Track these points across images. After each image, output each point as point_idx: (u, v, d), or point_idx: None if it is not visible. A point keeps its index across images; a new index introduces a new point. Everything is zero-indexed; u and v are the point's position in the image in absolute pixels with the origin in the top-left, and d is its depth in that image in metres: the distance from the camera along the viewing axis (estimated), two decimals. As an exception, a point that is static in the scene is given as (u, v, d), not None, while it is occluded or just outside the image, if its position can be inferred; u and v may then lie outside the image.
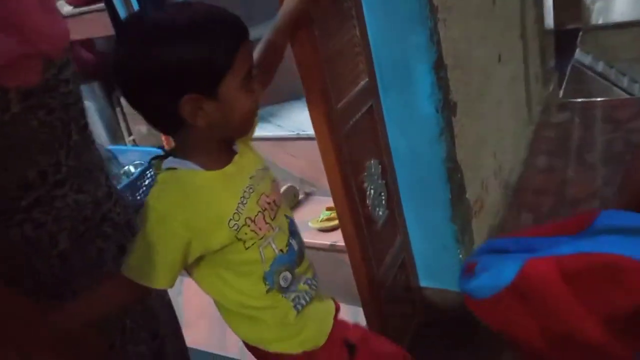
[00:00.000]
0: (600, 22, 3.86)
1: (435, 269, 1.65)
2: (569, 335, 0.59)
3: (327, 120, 1.15)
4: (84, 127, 0.91)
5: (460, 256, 1.58)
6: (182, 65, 0.74)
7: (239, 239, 0.82)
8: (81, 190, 0.89)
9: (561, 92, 3.20)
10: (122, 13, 1.77)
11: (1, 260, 0.81)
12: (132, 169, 2.97)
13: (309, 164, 1.90)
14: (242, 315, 0.90)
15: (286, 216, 0.92)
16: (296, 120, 1.92)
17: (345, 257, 1.38)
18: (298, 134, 1.80)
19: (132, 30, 0.78)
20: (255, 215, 0.84)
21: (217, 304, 0.92)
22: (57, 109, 0.83)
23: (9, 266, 0.82)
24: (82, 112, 0.92)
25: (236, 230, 0.82)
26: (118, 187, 2.47)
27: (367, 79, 1.31)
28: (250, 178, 0.86)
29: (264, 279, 0.86)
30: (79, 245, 0.89)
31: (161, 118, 0.82)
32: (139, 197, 2.76)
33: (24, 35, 0.67)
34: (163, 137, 2.33)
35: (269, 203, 0.87)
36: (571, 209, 2.14)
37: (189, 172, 0.82)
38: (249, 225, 0.83)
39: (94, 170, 0.94)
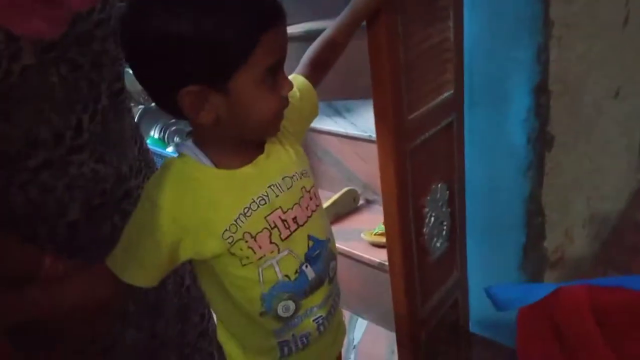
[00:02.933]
0: None
1: (490, 317, 1.45)
2: None
3: (393, 132, 1.00)
4: (118, 92, 0.83)
5: (523, 310, 1.37)
6: (183, 46, 0.59)
7: (232, 254, 0.70)
8: (102, 160, 0.81)
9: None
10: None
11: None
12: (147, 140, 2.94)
13: (376, 170, 1.76)
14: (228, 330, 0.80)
15: (310, 237, 0.76)
16: (372, 120, 1.78)
17: (393, 281, 1.23)
18: (370, 136, 1.65)
19: None
20: (259, 232, 0.71)
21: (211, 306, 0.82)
22: (85, 66, 0.74)
23: (8, 226, 0.75)
24: (119, 76, 0.83)
25: (230, 243, 0.69)
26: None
27: (452, 91, 1.13)
28: (270, 187, 0.72)
29: (261, 299, 0.73)
30: (91, 218, 0.82)
31: (162, 105, 0.68)
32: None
33: None
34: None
35: (284, 220, 0.73)
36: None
37: (195, 165, 0.70)
38: (246, 241, 0.70)
39: (121, 141, 0.85)
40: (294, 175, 0.75)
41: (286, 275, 0.73)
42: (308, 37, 1.82)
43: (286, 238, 0.73)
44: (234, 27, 0.59)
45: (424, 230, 1.17)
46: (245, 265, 0.71)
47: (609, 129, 1.70)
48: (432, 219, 1.18)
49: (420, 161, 1.09)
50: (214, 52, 0.60)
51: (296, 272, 0.74)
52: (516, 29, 1.07)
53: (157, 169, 0.97)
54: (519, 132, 1.17)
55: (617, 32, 1.51)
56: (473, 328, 1.49)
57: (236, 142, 0.71)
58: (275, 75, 0.65)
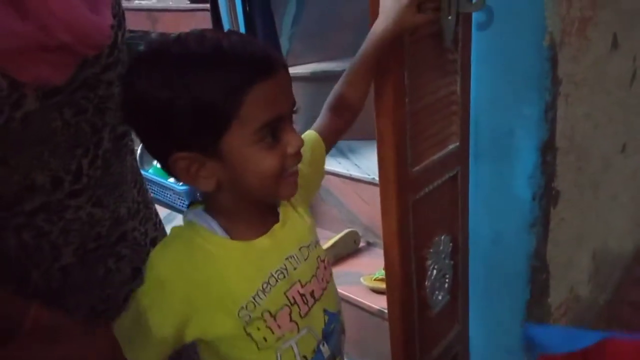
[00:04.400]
0: None
1: (491, 373, 1.41)
2: None
3: (396, 183, 0.98)
4: (121, 136, 0.82)
5: (525, 368, 1.33)
6: (168, 108, 0.56)
7: (248, 334, 0.64)
8: (99, 204, 0.80)
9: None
10: (224, 14, 1.71)
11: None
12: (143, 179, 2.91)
13: (378, 213, 1.75)
14: None
15: (326, 311, 0.72)
16: (375, 162, 1.77)
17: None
18: (374, 178, 1.65)
19: (143, 57, 0.63)
20: (279, 310, 0.65)
21: None
22: (89, 111, 0.73)
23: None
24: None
25: (246, 322, 0.63)
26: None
27: (457, 144, 1.12)
28: (287, 259, 0.67)
29: None
30: (85, 262, 0.80)
31: (164, 168, 0.64)
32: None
33: (40, 21, 0.57)
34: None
35: (302, 295, 0.68)
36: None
37: (207, 235, 0.64)
38: (265, 321, 0.64)
39: (121, 184, 0.84)
40: (309, 245, 0.71)
41: (304, 357, 0.68)
42: (314, 78, 1.84)
43: (305, 315, 0.68)
44: (217, 86, 0.56)
45: (426, 283, 1.14)
46: (262, 349, 0.65)
47: (614, 184, 1.68)
48: (435, 271, 1.16)
49: (423, 213, 1.08)
50: (197, 114, 0.57)
51: (314, 351, 0.69)
52: (524, 85, 1.07)
53: (154, 209, 0.96)
54: (525, 187, 1.15)
55: (624, 90, 1.51)
56: (473, 383, 1.44)
57: (248, 207, 0.66)
58: (278, 131, 0.61)
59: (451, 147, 1.11)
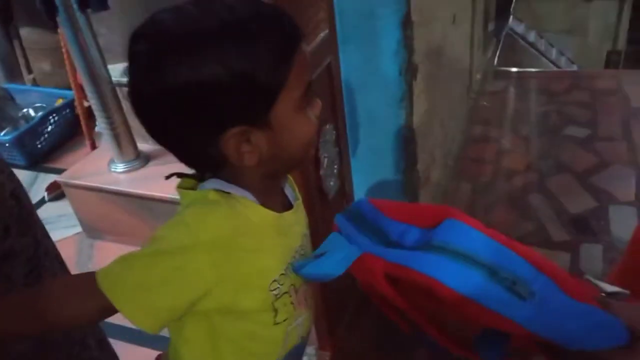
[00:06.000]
0: (533, -11, 3.87)
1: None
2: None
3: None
4: None
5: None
6: (212, 88, 0.53)
7: (275, 309, 0.63)
8: None
9: (495, 60, 3.17)
10: None
11: None
12: (32, 112, 2.61)
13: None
14: None
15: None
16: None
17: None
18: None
19: (146, 40, 0.55)
20: (300, 287, 0.66)
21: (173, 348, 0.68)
22: None
23: None
24: None
25: (276, 296, 0.62)
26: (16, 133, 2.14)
27: (327, 31, 1.13)
28: (303, 236, 0.68)
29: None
30: None
31: (197, 162, 0.62)
32: (39, 146, 2.44)
33: None
34: (70, 76, 2.01)
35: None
36: (508, 180, 2.12)
37: (248, 203, 0.61)
38: (290, 296, 0.64)
39: None
40: (308, 231, 0.72)
41: (302, 337, 0.70)
42: None
43: (308, 297, 0.70)
44: (265, 57, 0.54)
45: (321, 172, 1.18)
46: (277, 324, 0.64)
47: (451, 53, 1.85)
48: (326, 160, 1.20)
49: (309, 105, 1.09)
50: (249, 88, 0.54)
51: (307, 333, 0.73)
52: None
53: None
54: (392, 64, 1.21)
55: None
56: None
57: (272, 183, 0.65)
58: (308, 97, 0.60)
59: (322, 35, 1.12)
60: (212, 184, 0.61)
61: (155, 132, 0.59)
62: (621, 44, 3.93)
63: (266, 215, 0.62)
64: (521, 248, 0.57)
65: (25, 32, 2.58)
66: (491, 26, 2.98)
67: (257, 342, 0.65)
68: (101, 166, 1.86)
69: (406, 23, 1.17)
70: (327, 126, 1.20)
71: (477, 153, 2.30)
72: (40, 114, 2.47)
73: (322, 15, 1.12)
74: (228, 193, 0.60)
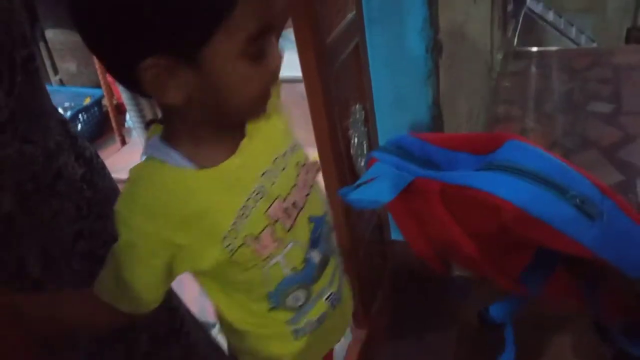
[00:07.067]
0: (549, -31, 3.82)
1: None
2: (451, 245, 0.64)
3: (317, 56, 0.99)
4: (28, 59, 0.71)
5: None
6: (139, 5, 0.46)
7: (234, 262, 0.61)
8: (28, 140, 0.71)
9: (515, 40, 3.16)
10: None
11: None
12: (61, 112, 2.66)
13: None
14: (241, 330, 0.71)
15: (311, 218, 0.67)
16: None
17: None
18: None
19: None
20: (261, 232, 0.60)
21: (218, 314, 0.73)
22: None
23: None
24: (25, 39, 0.72)
25: (231, 251, 0.59)
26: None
27: (354, 12, 1.15)
28: (263, 174, 0.61)
29: (268, 297, 0.66)
30: (27, 206, 0.72)
31: (121, 80, 0.55)
32: (70, 144, 2.50)
33: None
34: (100, 74, 2.06)
35: (285, 209, 0.63)
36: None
37: (171, 170, 0.57)
38: (248, 246, 0.60)
39: (43, 115, 0.75)
40: (285, 153, 0.64)
41: (293, 268, 0.65)
42: None
43: (290, 228, 0.63)
44: None
45: (351, 152, 1.21)
46: (248, 269, 0.62)
47: (472, 32, 1.86)
48: (356, 140, 1.22)
49: (340, 85, 1.11)
50: (179, 12, 0.47)
51: (303, 261, 0.66)
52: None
53: (81, 141, 0.87)
54: (418, 43, 1.23)
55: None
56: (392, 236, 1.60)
57: (214, 127, 0.58)
58: (263, 42, 0.52)
59: (350, 16, 1.14)
60: (150, 147, 0.59)
61: (84, 35, 0.52)
62: (641, 20, 3.87)
63: (200, 176, 0.57)
64: (585, 172, 0.55)
65: (50, 33, 2.64)
66: (510, 7, 2.96)
67: (240, 284, 0.65)
68: (133, 160, 1.91)
69: (431, 1, 1.19)
70: (356, 106, 1.22)
71: (502, 131, 2.30)
72: (69, 113, 2.53)
73: (349, -3, 1.14)
74: (155, 160, 0.57)
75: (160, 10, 0.46)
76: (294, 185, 0.65)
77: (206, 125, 0.57)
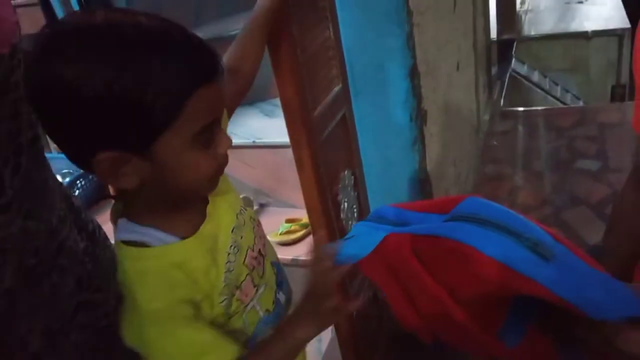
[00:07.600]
0: (532, 33, 4.00)
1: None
2: (437, 312, 0.65)
3: (305, 128, 1.06)
4: (34, 139, 0.76)
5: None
6: (96, 105, 0.49)
7: (225, 314, 0.65)
8: (31, 217, 0.74)
9: (502, 101, 3.27)
10: (59, 12, 1.59)
11: None
12: (60, 178, 2.72)
13: (265, 174, 1.80)
14: None
15: (272, 264, 0.74)
16: (251, 127, 1.81)
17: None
18: (254, 141, 1.70)
19: (50, 31, 0.53)
20: (243, 281, 0.66)
21: None
22: (5, 119, 0.68)
23: None
24: (31, 122, 0.77)
25: (226, 306, 0.64)
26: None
27: (340, 85, 1.22)
28: (232, 231, 0.66)
29: (247, 343, 0.69)
30: (29, 282, 0.75)
31: (78, 165, 0.58)
32: (69, 210, 2.54)
33: None
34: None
35: (255, 258, 0.69)
36: (524, 215, 2.16)
37: (160, 250, 0.60)
38: (234, 295, 0.65)
39: (46, 192, 0.79)
40: (241, 209, 0.70)
41: (267, 310, 0.70)
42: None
43: (262, 275, 0.70)
44: (157, 85, 0.49)
45: (341, 215, 1.25)
46: (231, 318, 0.66)
47: (457, 98, 1.94)
48: (346, 204, 1.27)
49: (327, 153, 1.17)
50: (131, 115, 0.50)
51: (273, 302, 0.71)
52: (387, 19, 1.20)
53: (83, 215, 0.91)
54: (402, 112, 1.30)
55: (450, 14, 1.75)
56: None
57: (176, 201, 0.62)
58: (211, 131, 0.56)
59: (336, 89, 1.21)
60: (122, 231, 0.62)
61: (44, 123, 0.56)
62: (624, 77, 4.01)
63: (186, 247, 0.61)
64: (538, 222, 0.59)
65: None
66: (494, 69, 3.09)
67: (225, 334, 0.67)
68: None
69: (413, 74, 1.27)
70: (345, 172, 1.27)
71: (492, 191, 2.35)
72: (68, 179, 2.58)
73: (335, 72, 1.21)
74: (134, 245, 0.60)
75: (110, 110, 0.50)
76: (255, 236, 0.71)
77: (162, 201, 0.60)
